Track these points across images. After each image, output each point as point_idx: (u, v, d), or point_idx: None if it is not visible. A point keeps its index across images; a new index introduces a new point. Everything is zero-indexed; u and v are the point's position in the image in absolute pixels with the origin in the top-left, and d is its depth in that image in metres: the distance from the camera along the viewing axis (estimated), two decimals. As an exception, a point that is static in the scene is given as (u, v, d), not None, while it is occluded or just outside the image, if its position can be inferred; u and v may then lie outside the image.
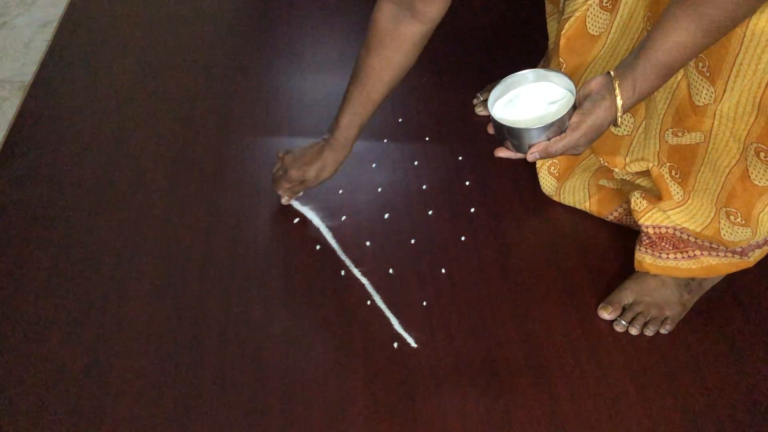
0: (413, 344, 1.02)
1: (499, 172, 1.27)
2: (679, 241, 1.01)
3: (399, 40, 1.02)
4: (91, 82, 1.49)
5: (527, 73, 0.88)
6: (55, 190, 1.25)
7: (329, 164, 1.12)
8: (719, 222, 0.97)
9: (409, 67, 1.05)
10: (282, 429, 0.94)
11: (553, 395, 0.96)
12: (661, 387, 0.97)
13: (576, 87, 0.86)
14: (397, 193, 1.25)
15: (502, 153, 0.89)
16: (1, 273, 1.12)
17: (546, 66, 1.29)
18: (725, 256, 1.01)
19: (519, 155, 0.88)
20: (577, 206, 1.18)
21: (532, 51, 1.39)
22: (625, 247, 1.14)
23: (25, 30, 1.65)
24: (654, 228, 1.01)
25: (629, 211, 1.13)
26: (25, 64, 1.55)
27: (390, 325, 1.05)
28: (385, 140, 1.35)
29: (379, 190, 1.25)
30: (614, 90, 0.81)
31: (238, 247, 1.16)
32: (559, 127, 0.82)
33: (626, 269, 1.10)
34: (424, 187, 1.26)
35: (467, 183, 1.26)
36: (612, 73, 0.82)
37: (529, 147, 0.84)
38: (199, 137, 1.36)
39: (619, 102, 0.81)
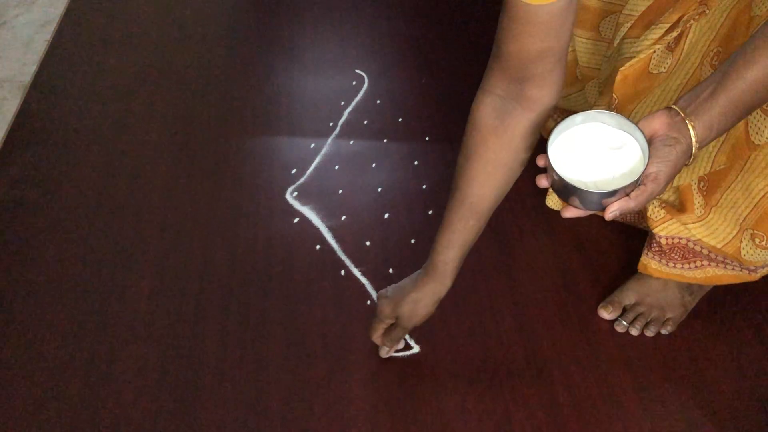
0: (413, 344, 1.02)
1: (499, 172, 1.27)
2: (689, 252, 1.00)
3: (506, 136, 0.84)
4: (91, 82, 1.49)
5: (575, 117, 0.78)
6: (55, 190, 1.25)
7: (426, 295, 0.93)
8: (741, 242, 0.94)
9: (521, 168, 0.87)
10: (282, 429, 0.94)
11: (553, 395, 0.96)
12: (661, 387, 0.97)
13: (627, 119, 0.78)
14: (397, 193, 1.25)
15: (570, 213, 0.79)
16: (1, 273, 1.12)
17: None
18: (733, 269, 1.00)
19: (589, 212, 0.80)
20: None
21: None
22: (625, 247, 1.14)
23: (25, 30, 1.65)
24: (668, 239, 1.00)
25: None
26: (25, 64, 1.55)
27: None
28: (385, 140, 1.35)
29: (379, 190, 1.25)
30: (688, 132, 0.74)
31: (237, 247, 1.16)
32: (636, 181, 0.75)
33: (627, 269, 1.10)
34: (424, 187, 1.26)
35: (467, 183, 1.26)
36: (680, 111, 0.75)
37: (604, 205, 0.77)
38: (199, 137, 1.36)
39: (696, 146, 0.75)
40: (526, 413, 0.94)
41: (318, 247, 1.16)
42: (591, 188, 0.76)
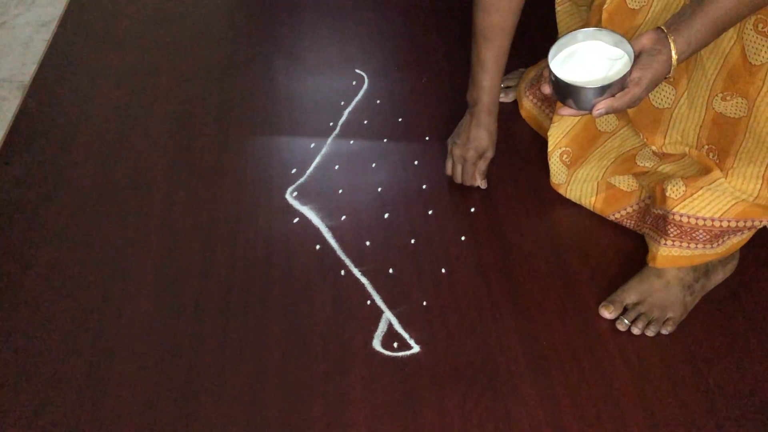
0: (413, 344, 1.02)
1: (499, 171, 1.27)
2: (718, 232, 1.01)
3: None
4: (90, 82, 1.49)
5: (577, 33, 0.92)
6: (55, 190, 1.25)
7: (491, 128, 1.17)
8: None
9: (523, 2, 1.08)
10: (282, 429, 0.94)
11: (553, 395, 0.96)
12: (661, 387, 0.97)
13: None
14: (397, 193, 1.25)
15: (565, 111, 0.94)
16: (1, 273, 1.12)
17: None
18: (749, 230, 1.02)
19: (582, 112, 0.93)
20: (582, 201, 1.18)
21: (532, 49, 1.39)
22: (625, 247, 1.14)
23: (25, 30, 1.65)
24: (689, 217, 1.01)
25: (633, 214, 1.13)
26: (25, 64, 1.55)
27: (390, 324, 1.05)
28: (385, 140, 1.35)
29: (379, 190, 1.25)
30: (669, 45, 0.85)
31: (237, 247, 1.16)
32: (621, 83, 0.87)
33: (626, 269, 1.10)
34: (424, 187, 1.26)
35: (467, 183, 1.26)
36: (664, 29, 0.86)
37: (593, 104, 0.89)
38: (199, 137, 1.36)
39: (675, 57, 0.86)
40: (526, 413, 0.94)
41: (318, 247, 1.16)
42: (585, 86, 0.88)
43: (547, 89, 0.93)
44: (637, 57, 0.87)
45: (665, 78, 0.88)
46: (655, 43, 0.86)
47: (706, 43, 0.87)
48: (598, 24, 1.06)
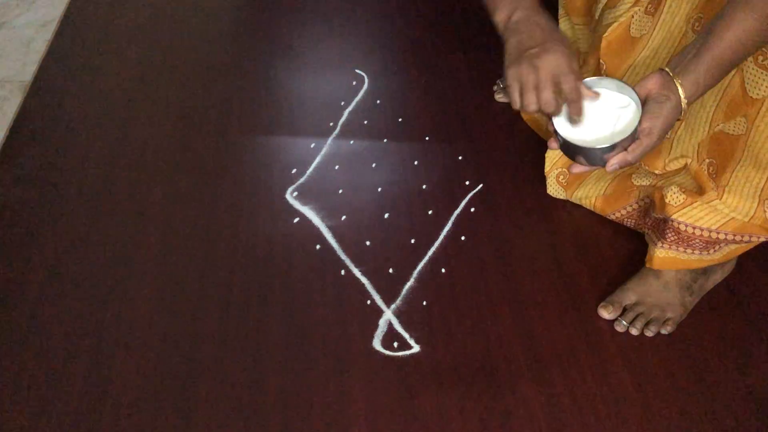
0: (413, 344, 1.02)
1: (499, 172, 1.27)
2: (713, 242, 1.01)
3: None
4: (91, 82, 1.49)
5: None
6: (55, 190, 1.25)
7: (561, 34, 0.92)
8: (765, 212, 0.96)
9: None
10: (282, 429, 0.94)
11: (553, 395, 0.96)
12: (661, 387, 0.97)
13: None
14: (397, 193, 1.25)
15: (577, 169, 0.90)
16: (1, 273, 1.12)
17: None
18: (750, 240, 1.01)
19: (595, 168, 0.89)
20: (583, 200, 1.18)
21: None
22: (625, 247, 1.14)
23: (25, 30, 1.65)
24: (687, 225, 1.00)
25: (633, 213, 1.13)
26: (25, 64, 1.55)
27: (390, 324, 1.05)
28: (385, 140, 1.35)
29: (379, 190, 1.25)
30: (677, 89, 0.82)
31: (237, 247, 1.16)
32: (632, 136, 0.84)
33: (626, 269, 1.10)
34: (424, 187, 1.26)
35: (467, 183, 1.26)
36: (669, 71, 0.83)
37: (606, 160, 0.86)
38: (199, 137, 1.36)
39: (684, 101, 0.83)
40: (526, 413, 0.94)
41: (318, 247, 1.16)
42: (591, 145, 0.85)
43: (554, 144, 0.89)
44: (644, 104, 0.84)
45: (678, 120, 0.85)
46: (661, 88, 0.83)
47: (715, 81, 0.84)
48: (597, 53, 1.04)
